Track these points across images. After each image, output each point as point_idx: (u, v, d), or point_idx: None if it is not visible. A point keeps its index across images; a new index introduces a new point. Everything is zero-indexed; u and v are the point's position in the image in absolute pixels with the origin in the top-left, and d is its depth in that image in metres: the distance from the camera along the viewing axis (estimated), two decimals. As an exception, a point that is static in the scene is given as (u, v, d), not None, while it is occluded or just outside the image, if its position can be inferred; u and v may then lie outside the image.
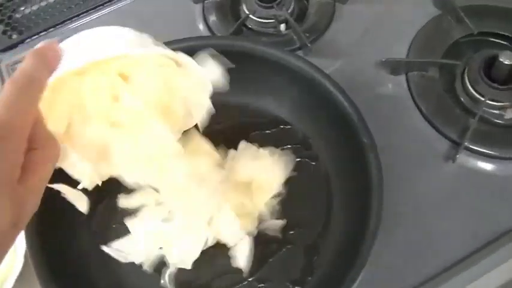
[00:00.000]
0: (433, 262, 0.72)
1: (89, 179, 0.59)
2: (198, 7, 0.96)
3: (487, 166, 0.79)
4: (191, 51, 0.75)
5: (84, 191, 0.61)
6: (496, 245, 0.73)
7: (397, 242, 0.73)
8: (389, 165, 0.70)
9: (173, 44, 0.75)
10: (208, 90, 0.60)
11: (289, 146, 0.79)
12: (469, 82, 0.84)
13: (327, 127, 0.77)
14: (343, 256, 0.69)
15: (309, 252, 0.73)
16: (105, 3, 1.01)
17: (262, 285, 0.71)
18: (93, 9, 1.01)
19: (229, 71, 0.77)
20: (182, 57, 0.57)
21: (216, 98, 0.63)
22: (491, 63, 0.83)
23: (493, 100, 0.82)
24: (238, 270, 0.72)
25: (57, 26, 1.01)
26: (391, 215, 0.67)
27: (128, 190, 0.70)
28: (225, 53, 0.75)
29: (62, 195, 0.61)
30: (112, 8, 1.01)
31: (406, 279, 0.71)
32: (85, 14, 1.02)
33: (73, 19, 1.01)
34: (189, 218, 0.69)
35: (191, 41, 0.78)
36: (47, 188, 0.48)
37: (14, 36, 1.01)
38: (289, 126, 0.81)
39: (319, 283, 0.69)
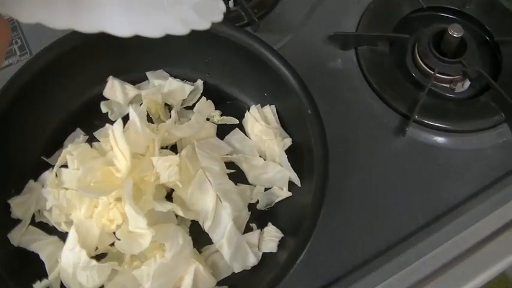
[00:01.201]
0: (382, 238, 0.72)
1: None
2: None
3: (437, 139, 0.79)
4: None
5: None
6: (446, 219, 0.73)
7: (345, 218, 0.73)
8: (338, 139, 0.69)
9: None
10: None
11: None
12: (419, 56, 0.83)
13: (275, 101, 0.76)
14: (289, 234, 0.68)
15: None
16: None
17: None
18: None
19: (176, 47, 0.77)
20: None
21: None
22: (440, 36, 0.83)
23: (442, 74, 0.82)
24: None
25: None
26: (339, 190, 0.67)
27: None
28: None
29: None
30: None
31: (353, 257, 0.71)
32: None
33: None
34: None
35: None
36: None
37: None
38: (236, 101, 0.79)
39: (265, 261, 0.68)
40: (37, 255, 0.67)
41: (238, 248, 0.67)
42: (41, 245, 0.68)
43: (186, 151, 0.70)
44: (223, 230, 0.67)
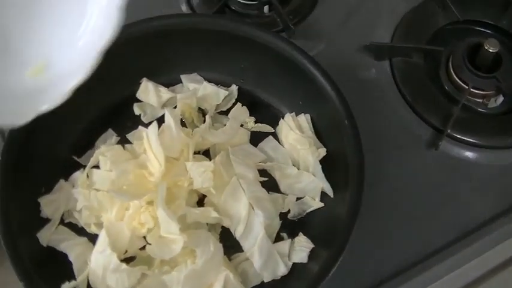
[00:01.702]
0: (411, 252, 0.71)
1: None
2: (180, -13, 0.93)
3: (469, 154, 0.78)
4: (171, 29, 0.75)
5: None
6: (476, 235, 0.73)
7: (375, 230, 0.72)
8: (370, 151, 0.68)
9: (154, 21, 0.74)
10: None
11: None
12: (453, 69, 0.83)
13: (310, 110, 0.75)
14: (320, 245, 0.68)
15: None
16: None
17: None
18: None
19: (212, 51, 0.76)
20: None
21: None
22: (475, 51, 0.82)
23: (476, 88, 0.81)
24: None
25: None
26: (371, 203, 0.65)
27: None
28: (206, 32, 0.74)
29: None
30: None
31: (382, 269, 0.70)
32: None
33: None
34: None
35: (172, 18, 0.76)
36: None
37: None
38: (271, 108, 0.79)
39: (295, 271, 0.67)
40: (66, 256, 0.67)
41: (269, 257, 0.66)
42: (70, 246, 0.67)
43: (220, 157, 0.69)
44: (254, 238, 0.67)
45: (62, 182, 0.71)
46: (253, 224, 0.67)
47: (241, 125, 0.76)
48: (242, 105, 0.77)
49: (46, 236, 0.68)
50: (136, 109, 0.77)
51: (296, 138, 0.72)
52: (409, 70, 0.84)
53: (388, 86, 0.83)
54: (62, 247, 0.67)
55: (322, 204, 0.70)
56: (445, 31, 0.89)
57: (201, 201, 0.70)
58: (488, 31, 0.89)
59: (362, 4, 0.91)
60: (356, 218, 0.63)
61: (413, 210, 0.74)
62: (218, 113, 0.77)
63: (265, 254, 0.66)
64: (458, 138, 0.78)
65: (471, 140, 0.78)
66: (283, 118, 0.75)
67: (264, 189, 0.70)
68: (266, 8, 0.88)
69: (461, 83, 0.82)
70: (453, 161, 0.78)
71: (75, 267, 0.66)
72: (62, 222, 0.70)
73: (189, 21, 0.77)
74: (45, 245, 0.67)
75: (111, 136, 0.75)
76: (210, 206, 0.68)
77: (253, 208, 0.67)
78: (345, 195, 0.66)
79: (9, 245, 0.63)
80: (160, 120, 0.71)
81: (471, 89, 0.81)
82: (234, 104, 0.77)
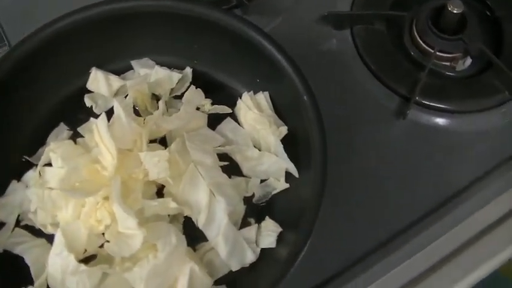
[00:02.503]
0: (385, 226, 0.69)
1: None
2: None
3: (439, 121, 0.76)
4: (116, 14, 0.71)
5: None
6: (451, 204, 0.70)
7: (346, 206, 0.69)
8: (336, 125, 0.66)
9: (97, 7, 0.71)
10: None
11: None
12: (418, 34, 0.80)
13: (268, 87, 0.72)
14: (288, 227, 0.65)
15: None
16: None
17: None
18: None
19: (162, 33, 0.73)
20: None
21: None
22: (439, 13, 0.79)
23: (443, 52, 0.78)
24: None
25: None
26: (337, 179, 0.63)
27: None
28: (154, 14, 0.71)
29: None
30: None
31: (355, 247, 0.68)
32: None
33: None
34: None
35: (115, 3, 0.72)
36: None
37: None
38: (227, 89, 0.76)
39: (264, 257, 0.65)
40: (23, 259, 0.64)
41: (235, 245, 0.63)
42: (26, 248, 0.65)
43: (175, 145, 0.66)
44: (218, 226, 0.64)
45: (14, 183, 0.68)
46: (215, 211, 0.64)
47: (198, 108, 0.73)
48: (196, 88, 0.73)
49: (2, 241, 0.65)
50: (88, 100, 0.73)
51: (255, 118, 0.69)
52: (371, 38, 0.81)
53: (350, 56, 0.80)
54: (18, 250, 0.65)
55: (287, 185, 0.67)
56: (406, -5, 0.85)
57: (160, 191, 0.67)
58: (452, -9, 0.86)
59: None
60: (321, 198, 0.60)
61: (384, 184, 0.71)
62: (173, 97, 0.74)
63: (230, 242, 0.63)
64: (427, 104, 0.76)
65: (441, 106, 0.76)
66: (240, 98, 0.72)
67: (224, 175, 0.67)
68: (220, -16, 0.85)
69: (426, 47, 0.79)
70: (423, 129, 0.75)
71: (33, 271, 0.63)
72: (18, 224, 0.67)
73: (135, 4, 0.73)
74: (1, 250, 0.64)
75: (62, 131, 0.72)
76: (169, 196, 0.65)
77: (214, 195, 0.64)
78: (309, 173, 0.63)
79: None
80: (113, 110, 0.67)
81: (437, 53, 0.78)
82: (188, 87, 0.74)
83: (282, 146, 0.68)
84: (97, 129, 0.65)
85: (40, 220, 0.65)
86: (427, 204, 0.70)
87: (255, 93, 0.72)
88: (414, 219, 0.70)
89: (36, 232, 0.66)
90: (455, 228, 0.69)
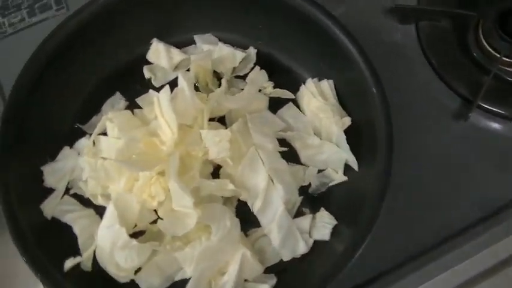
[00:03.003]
0: (437, 229, 0.67)
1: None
2: None
3: (500, 127, 0.73)
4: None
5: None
6: (507, 212, 0.68)
7: (399, 207, 0.67)
8: (395, 120, 0.64)
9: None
10: None
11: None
12: (483, 36, 0.77)
13: (333, 75, 0.70)
14: (343, 221, 0.64)
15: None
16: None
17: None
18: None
19: (227, 10, 0.71)
20: None
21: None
22: (508, 16, 0.76)
23: (509, 57, 0.75)
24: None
25: None
26: (398, 176, 0.61)
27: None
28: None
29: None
30: None
31: (410, 246, 0.66)
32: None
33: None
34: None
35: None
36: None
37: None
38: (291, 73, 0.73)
39: (316, 249, 0.63)
40: (71, 228, 0.63)
41: (289, 234, 0.62)
42: (75, 218, 0.64)
43: (237, 125, 0.64)
44: (273, 213, 0.62)
45: (66, 149, 0.67)
46: (272, 198, 0.62)
47: (259, 90, 0.70)
48: (260, 69, 0.71)
49: (50, 208, 0.64)
50: (147, 72, 0.72)
51: (318, 106, 0.67)
52: (436, 35, 0.78)
53: (414, 52, 0.78)
54: (67, 219, 0.64)
55: (345, 178, 0.66)
56: (475, -6, 0.82)
57: (215, 172, 0.66)
58: (523, -6, 0.83)
59: (386, -37, 0.85)
60: (384, 196, 0.59)
61: (439, 186, 0.69)
62: (234, 77, 0.72)
63: (284, 230, 0.62)
64: (489, 109, 0.73)
65: (502, 112, 0.73)
66: (304, 84, 0.70)
67: (284, 161, 0.66)
68: (284, -34, 0.82)
69: (492, 50, 0.76)
70: (483, 133, 0.73)
71: (80, 242, 0.63)
72: (67, 192, 0.66)
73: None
74: (49, 217, 0.64)
75: (118, 100, 0.70)
76: (226, 178, 0.64)
77: (272, 181, 0.63)
78: (371, 169, 0.62)
79: (9, 217, 0.60)
80: (172, 84, 0.65)
81: (503, 58, 0.75)
82: (252, 69, 0.72)
83: (344, 136, 0.66)
84: (158, 102, 0.63)
85: (91, 190, 0.64)
86: (480, 210, 0.68)
87: (319, 79, 0.70)
88: (464, 225, 0.68)
89: (85, 202, 0.65)
90: (506, 239, 0.67)
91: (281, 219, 0.62)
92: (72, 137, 0.68)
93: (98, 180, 0.63)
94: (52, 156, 0.66)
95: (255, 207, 0.63)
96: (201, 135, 0.62)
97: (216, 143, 0.61)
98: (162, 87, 0.65)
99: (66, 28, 0.67)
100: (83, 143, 0.67)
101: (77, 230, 0.63)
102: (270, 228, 0.62)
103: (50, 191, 0.65)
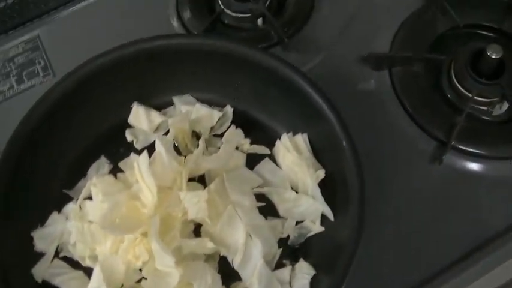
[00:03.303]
0: (419, 269, 0.69)
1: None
2: (172, 2, 0.91)
3: (475, 166, 0.75)
4: (162, 50, 0.72)
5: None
6: (486, 250, 0.70)
7: (380, 249, 0.69)
8: (371, 166, 0.66)
9: (143, 43, 0.72)
10: None
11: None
12: (456, 77, 0.79)
13: (307, 128, 0.73)
14: (322, 270, 0.66)
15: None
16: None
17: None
18: (69, 2, 0.94)
19: (204, 71, 0.74)
20: None
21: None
22: (478, 57, 0.78)
23: (480, 96, 0.78)
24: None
25: (34, 20, 0.94)
26: (373, 221, 0.63)
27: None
28: (195, 52, 0.72)
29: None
30: (84, 3, 0.95)
31: (390, 288, 0.68)
32: (62, 7, 0.94)
33: (50, 13, 0.94)
34: None
35: (161, 40, 0.74)
36: None
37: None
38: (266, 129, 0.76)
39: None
40: (61, 291, 0.66)
41: (269, 286, 0.64)
42: (65, 280, 0.66)
43: (215, 185, 0.67)
44: (253, 267, 0.65)
45: (55, 214, 0.70)
46: (251, 252, 0.65)
47: (237, 148, 0.74)
48: (236, 127, 0.74)
49: (41, 271, 0.66)
50: (129, 135, 0.75)
51: (293, 160, 0.70)
52: (409, 80, 0.81)
53: (388, 97, 0.80)
54: (57, 282, 0.66)
55: (322, 229, 0.68)
56: (445, 37, 0.85)
57: (197, 229, 0.68)
58: (491, 34, 0.86)
59: (359, 13, 0.87)
60: (358, 243, 0.61)
61: (418, 230, 0.71)
62: (213, 135, 0.75)
63: (264, 282, 0.64)
64: (463, 150, 0.75)
65: (477, 152, 0.75)
66: (279, 139, 0.73)
67: (261, 216, 0.68)
68: (260, 21, 0.86)
69: (464, 91, 0.78)
70: (459, 173, 0.74)
71: (71, 303, 0.65)
72: (56, 255, 0.68)
73: (177, 43, 0.74)
74: (40, 281, 0.66)
75: (103, 164, 0.73)
76: (207, 235, 0.66)
77: (250, 236, 0.65)
78: (346, 218, 0.64)
79: (1, 281, 0.62)
80: (154, 147, 0.69)
81: (475, 97, 0.77)
82: (228, 127, 0.75)
83: (319, 189, 0.68)
84: (138, 166, 0.66)
85: (79, 252, 0.67)
86: (461, 248, 0.70)
87: (294, 133, 0.73)
88: (444, 266, 0.69)
89: (74, 264, 0.68)
90: (486, 276, 0.68)
91: (261, 273, 0.64)
92: (60, 201, 0.71)
93: (85, 243, 0.66)
94: (41, 221, 0.69)
95: (235, 262, 0.65)
96: (180, 197, 0.65)
97: (194, 204, 0.64)
98: (144, 149, 0.68)
99: (52, 95, 0.71)
100: (70, 207, 0.70)
101: None
102: (251, 282, 0.64)
103: (41, 255, 0.67)
